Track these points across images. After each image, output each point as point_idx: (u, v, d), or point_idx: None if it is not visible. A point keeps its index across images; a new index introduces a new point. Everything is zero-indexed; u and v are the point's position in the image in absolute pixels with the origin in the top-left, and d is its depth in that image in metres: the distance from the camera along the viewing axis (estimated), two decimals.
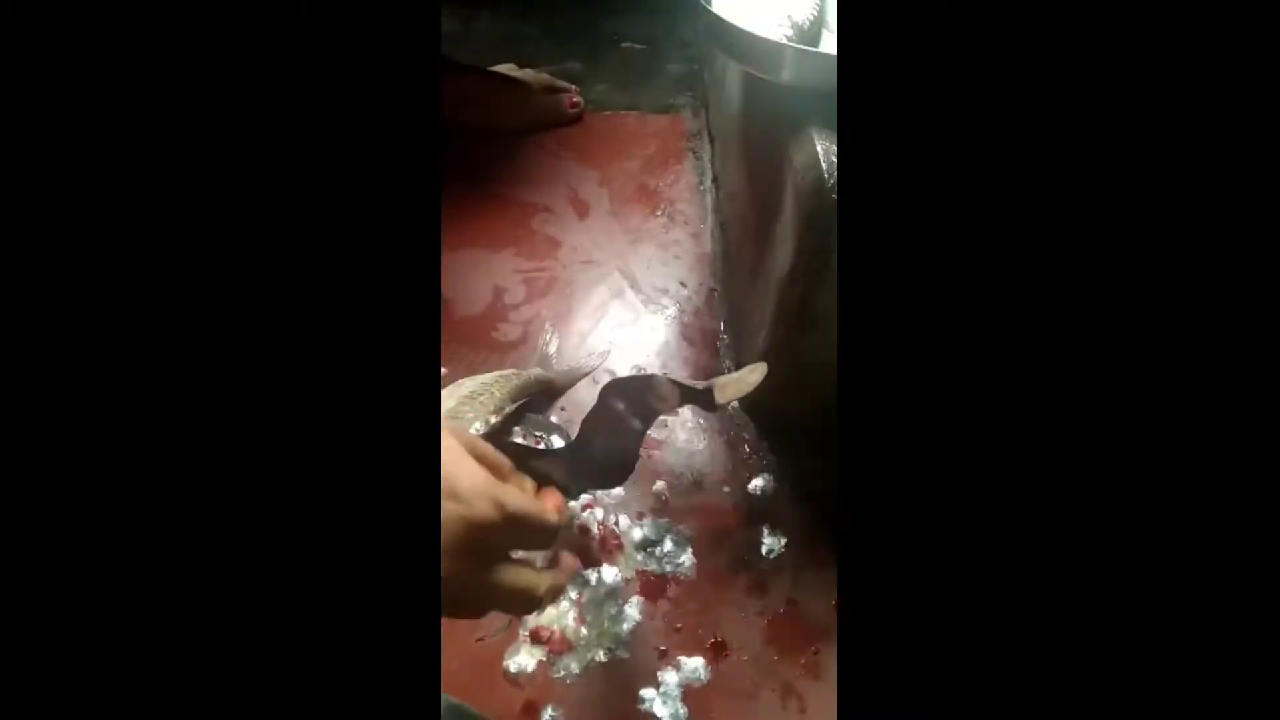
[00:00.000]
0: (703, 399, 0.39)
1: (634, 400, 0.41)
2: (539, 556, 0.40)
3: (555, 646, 0.52)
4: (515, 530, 0.34)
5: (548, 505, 0.37)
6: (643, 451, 0.60)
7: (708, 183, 0.88)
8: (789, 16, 0.53)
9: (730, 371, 0.71)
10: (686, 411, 0.67)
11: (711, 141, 0.91)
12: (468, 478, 0.33)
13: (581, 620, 0.53)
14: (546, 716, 0.49)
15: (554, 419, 0.65)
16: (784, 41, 0.50)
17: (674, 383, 0.40)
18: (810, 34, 0.53)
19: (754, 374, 0.39)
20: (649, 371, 0.68)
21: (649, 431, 0.44)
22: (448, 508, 0.32)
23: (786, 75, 0.50)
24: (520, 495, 0.35)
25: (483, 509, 0.33)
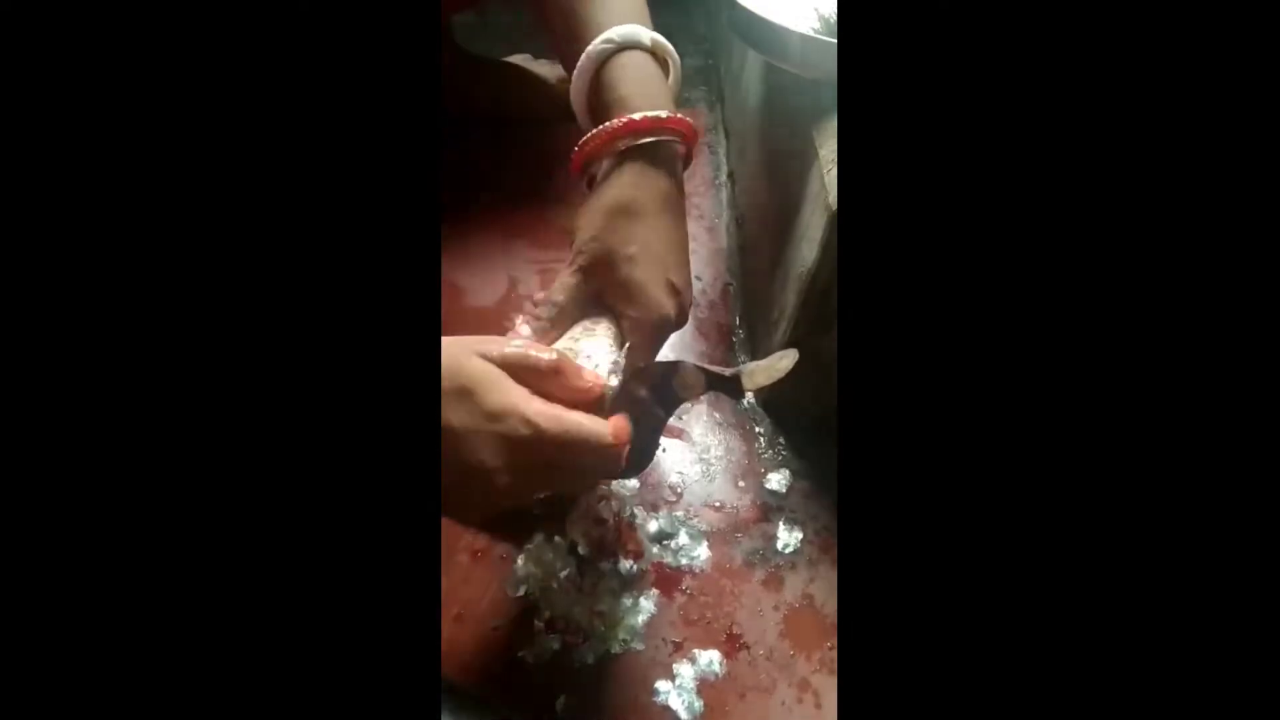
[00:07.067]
0: (730, 386, 0.39)
1: (658, 387, 0.41)
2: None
3: (570, 637, 0.52)
4: (562, 453, 0.35)
5: (604, 428, 0.37)
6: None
7: (723, 177, 0.88)
8: (815, 9, 0.53)
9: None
10: (702, 405, 0.66)
11: (728, 136, 0.91)
12: (496, 395, 0.34)
13: (596, 612, 0.53)
14: (561, 706, 0.49)
15: None
16: (811, 34, 0.50)
17: (700, 369, 0.39)
18: (836, 26, 0.53)
19: (785, 360, 0.39)
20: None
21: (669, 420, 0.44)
22: (482, 426, 0.34)
23: (813, 68, 0.49)
24: (560, 416, 0.35)
25: (512, 427, 0.34)
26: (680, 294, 0.46)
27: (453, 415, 0.34)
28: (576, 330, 0.45)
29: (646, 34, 0.47)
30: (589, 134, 0.46)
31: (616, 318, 0.46)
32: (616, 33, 0.46)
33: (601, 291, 0.46)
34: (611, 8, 0.48)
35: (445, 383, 0.34)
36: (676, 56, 0.49)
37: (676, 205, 0.47)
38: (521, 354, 0.36)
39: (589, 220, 0.46)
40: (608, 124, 0.45)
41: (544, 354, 0.37)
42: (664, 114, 0.44)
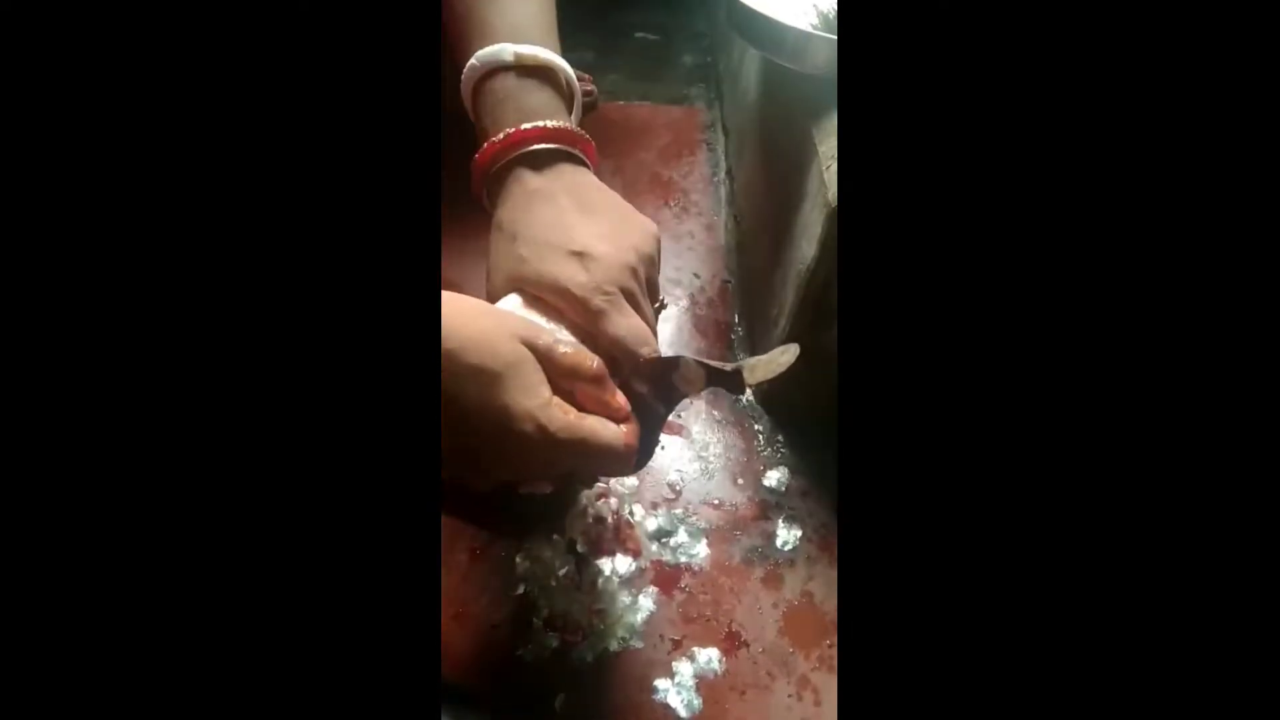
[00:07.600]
0: (731, 381, 0.39)
1: (658, 383, 0.40)
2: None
3: (569, 635, 0.52)
4: (569, 457, 0.35)
5: (618, 438, 0.36)
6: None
7: (722, 174, 0.88)
8: (814, 6, 0.53)
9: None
10: (700, 402, 0.66)
11: (726, 133, 0.91)
12: (520, 393, 0.33)
13: (595, 610, 0.53)
14: (559, 705, 0.49)
15: None
16: (810, 30, 0.50)
17: (700, 364, 0.39)
18: (836, 23, 0.53)
19: (786, 355, 0.38)
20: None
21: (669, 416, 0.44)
22: (493, 415, 0.33)
23: (812, 64, 0.49)
24: (575, 426, 0.35)
25: (523, 429, 0.33)
26: (585, 255, 0.41)
27: (470, 389, 0.33)
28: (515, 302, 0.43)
29: (511, 49, 0.43)
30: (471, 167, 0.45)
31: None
32: (479, 57, 0.44)
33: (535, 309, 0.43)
34: (486, 23, 0.45)
35: (474, 355, 0.33)
36: (557, 60, 0.45)
37: (562, 194, 0.43)
38: (564, 354, 0.36)
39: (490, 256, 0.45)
40: (475, 157, 0.44)
41: (593, 361, 0.37)
42: (500, 135, 0.43)
